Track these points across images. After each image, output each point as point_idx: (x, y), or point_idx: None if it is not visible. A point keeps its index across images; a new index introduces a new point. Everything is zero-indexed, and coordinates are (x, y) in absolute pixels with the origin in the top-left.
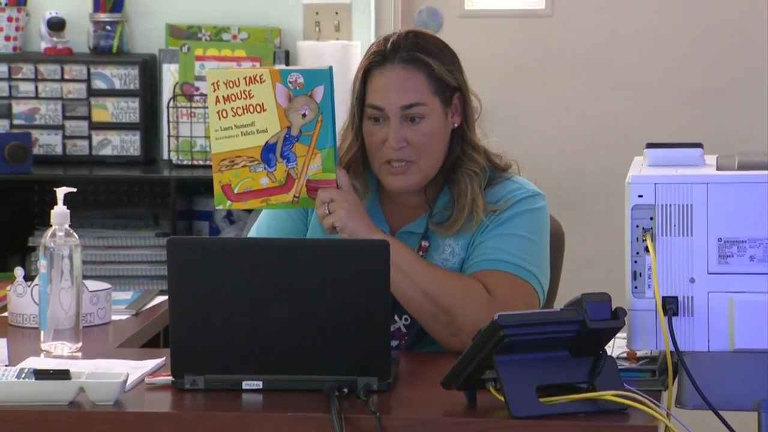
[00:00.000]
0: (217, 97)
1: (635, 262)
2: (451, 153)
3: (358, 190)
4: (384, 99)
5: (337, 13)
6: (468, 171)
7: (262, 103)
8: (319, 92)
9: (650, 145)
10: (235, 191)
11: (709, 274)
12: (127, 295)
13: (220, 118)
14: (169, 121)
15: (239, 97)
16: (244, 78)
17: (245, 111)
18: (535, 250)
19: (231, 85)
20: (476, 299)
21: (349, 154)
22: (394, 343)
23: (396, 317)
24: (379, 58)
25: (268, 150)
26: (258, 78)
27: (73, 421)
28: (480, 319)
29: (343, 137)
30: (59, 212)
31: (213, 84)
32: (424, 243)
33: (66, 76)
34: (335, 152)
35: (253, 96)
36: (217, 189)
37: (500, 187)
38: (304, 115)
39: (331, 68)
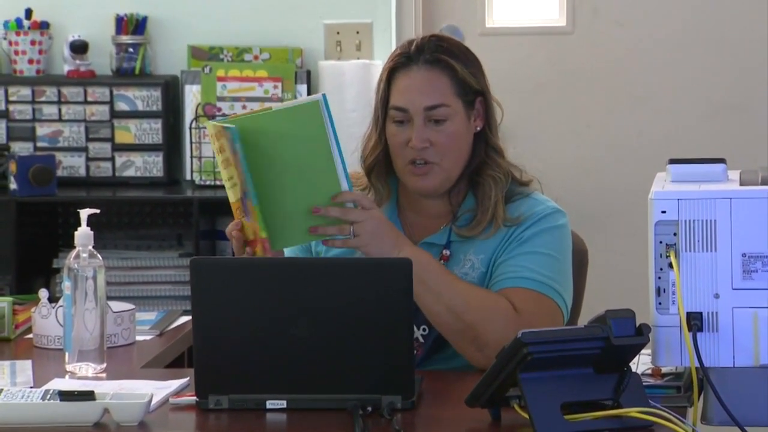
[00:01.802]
0: (217, 147)
1: (659, 278)
2: (474, 157)
3: (380, 192)
4: (408, 100)
5: (358, 32)
6: (492, 175)
7: (229, 156)
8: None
9: (673, 161)
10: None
11: (733, 289)
12: (151, 316)
13: (223, 169)
14: (191, 142)
15: (220, 150)
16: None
17: (225, 164)
18: (559, 268)
19: (218, 137)
20: (503, 315)
21: (372, 155)
22: None
23: (414, 327)
24: (403, 60)
25: (244, 202)
26: (224, 130)
27: None
28: (506, 335)
29: (367, 139)
30: (83, 234)
31: (212, 136)
32: (446, 252)
33: (89, 99)
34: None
35: (224, 149)
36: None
37: (520, 203)
38: None
39: (321, 98)
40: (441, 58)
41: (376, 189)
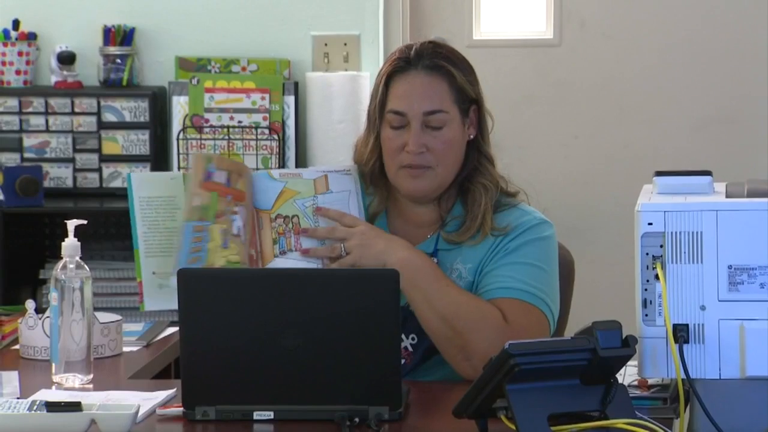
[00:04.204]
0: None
1: (645, 289)
2: (466, 164)
3: (375, 196)
4: (406, 104)
5: (345, 44)
6: (482, 182)
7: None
8: None
9: (659, 173)
10: None
11: (719, 301)
12: (138, 327)
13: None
14: (179, 153)
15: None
16: None
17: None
18: (546, 279)
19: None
20: (493, 325)
21: (371, 160)
22: None
23: (403, 336)
24: (402, 64)
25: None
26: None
27: None
28: (495, 345)
29: (363, 144)
30: (70, 244)
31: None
32: (433, 260)
33: (76, 110)
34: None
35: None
36: None
37: (507, 213)
38: None
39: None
40: (441, 64)
41: (380, 195)
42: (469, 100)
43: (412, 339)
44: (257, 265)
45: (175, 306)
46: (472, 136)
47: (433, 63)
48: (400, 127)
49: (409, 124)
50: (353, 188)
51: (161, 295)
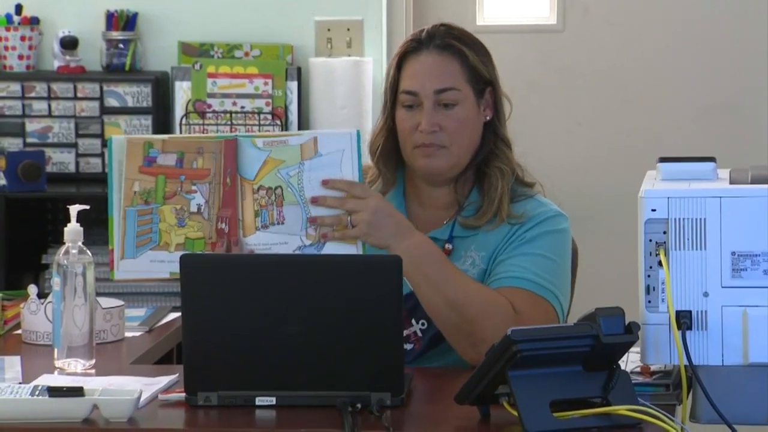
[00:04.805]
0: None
1: (648, 276)
2: (483, 147)
3: (388, 179)
4: (418, 83)
5: (348, 29)
6: (499, 167)
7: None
8: None
9: (663, 159)
10: None
11: (722, 288)
12: (141, 312)
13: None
14: None
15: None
16: None
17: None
18: (558, 272)
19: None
20: (502, 313)
21: (379, 140)
22: (408, 346)
23: (413, 321)
24: (414, 45)
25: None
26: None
27: None
28: (502, 333)
29: (376, 124)
30: (72, 230)
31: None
32: (448, 246)
33: (79, 95)
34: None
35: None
36: None
37: (524, 203)
38: None
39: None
40: (452, 43)
41: (384, 176)
42: (484, 81)
43: (422, 324)
44: (232, 238)
45: (145, 276)
46: (488, 118)
47: (445, 43)
48: (413, 106)
49: (422, 104)
50: (348, 147)
51: (132, 266)
